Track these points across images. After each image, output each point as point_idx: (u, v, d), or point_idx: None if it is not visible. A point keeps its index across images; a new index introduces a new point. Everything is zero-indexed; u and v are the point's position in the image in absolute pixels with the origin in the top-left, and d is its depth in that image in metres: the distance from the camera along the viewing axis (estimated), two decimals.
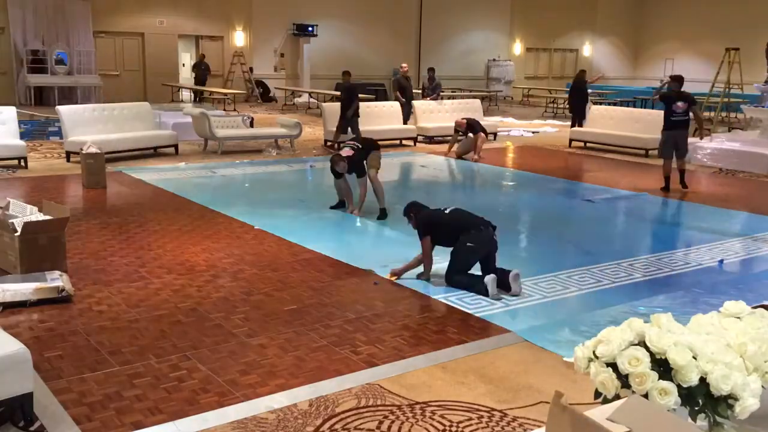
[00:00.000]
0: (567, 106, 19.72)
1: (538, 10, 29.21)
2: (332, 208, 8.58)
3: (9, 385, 3.38)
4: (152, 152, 12.33)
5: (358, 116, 13.20)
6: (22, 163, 10.88)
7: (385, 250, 7.08)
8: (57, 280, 5.28)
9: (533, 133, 17.60)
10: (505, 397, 3.95)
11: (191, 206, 8.66)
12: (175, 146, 12.49)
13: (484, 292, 5.55)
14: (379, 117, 14.65)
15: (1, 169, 10.53)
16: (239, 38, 23.60)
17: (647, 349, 2.11)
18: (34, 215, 5.89)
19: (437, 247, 6.00)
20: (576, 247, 7.46)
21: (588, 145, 14.83)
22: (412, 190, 11.10)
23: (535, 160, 13.40)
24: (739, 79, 18.17)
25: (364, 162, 8.23)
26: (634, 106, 20.36)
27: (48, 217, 5.86)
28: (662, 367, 2.08)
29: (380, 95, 22.18)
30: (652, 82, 27.98)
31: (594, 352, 2.20)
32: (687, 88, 10.50)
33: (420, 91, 17.86)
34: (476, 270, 5.86)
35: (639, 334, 2.17)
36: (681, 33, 29.50)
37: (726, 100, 18.50)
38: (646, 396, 2.02)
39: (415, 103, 16.01)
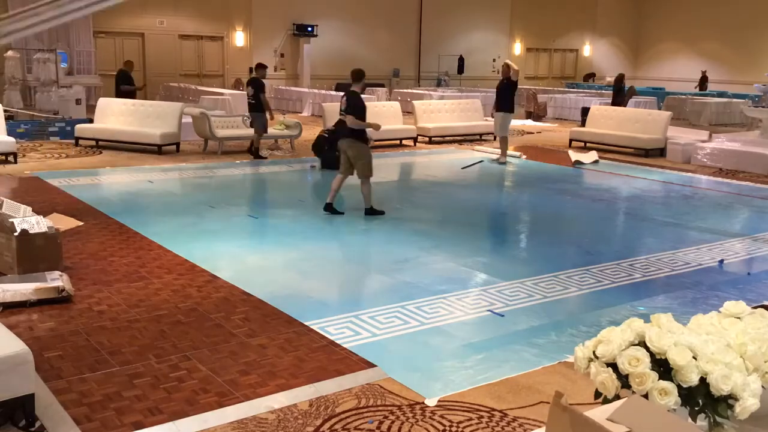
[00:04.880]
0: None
1: (538, 10, 29.22)
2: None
3: (10, 386, 3.38)
4: (157, 150, 12.40)
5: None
6: (11, 159, 10.99)
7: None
8: (57, 280, 5.28)
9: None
10: (505, 397, 3.95)
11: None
12: (159, 146, 12.49)
13: None
14: (379, 117, 14.64)
15: None
16: (239, 38, 23.61)
17: (647, 349, 2.11)
18: (29, 215, 5.88)
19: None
20: (576, 247, 7.46)
21: (588, 145, 14.83)
22: (411, 190, 11.10)
23: (537, 158, 13.40)
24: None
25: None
26: None
27: (48, 225, 5.82)
28: (662, 367, 2.08)
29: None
30: (653, 82, 28.02)
31: (594, 352, 2.20)
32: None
33: None
34: None
35: (639, 334, 2.17)
36: (681, 33, 29.51)
37: None
38: (646, 396, 2.02)
39: (415, 103, 16.02)
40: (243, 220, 8.11)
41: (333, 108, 14.38)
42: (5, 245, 5.67)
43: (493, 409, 3.81)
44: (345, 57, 24.93)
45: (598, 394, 2.17)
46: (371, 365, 4.31)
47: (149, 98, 18.68)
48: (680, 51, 29.65)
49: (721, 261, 6.89)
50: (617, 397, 2.08)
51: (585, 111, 16.93)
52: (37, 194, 8.85)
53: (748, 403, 1.99)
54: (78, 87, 15.78)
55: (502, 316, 5.26)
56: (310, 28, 24.00)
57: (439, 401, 3.88)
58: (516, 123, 19.92)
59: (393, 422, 3.65)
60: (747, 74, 20.19)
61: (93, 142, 12.89)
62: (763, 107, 14.22)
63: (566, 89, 25.40)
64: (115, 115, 13.09)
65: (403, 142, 14.71)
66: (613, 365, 2.13)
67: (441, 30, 27.00)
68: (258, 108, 12.33)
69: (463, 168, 12.29)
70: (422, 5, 26.65)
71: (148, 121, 12.74)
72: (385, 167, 12.67)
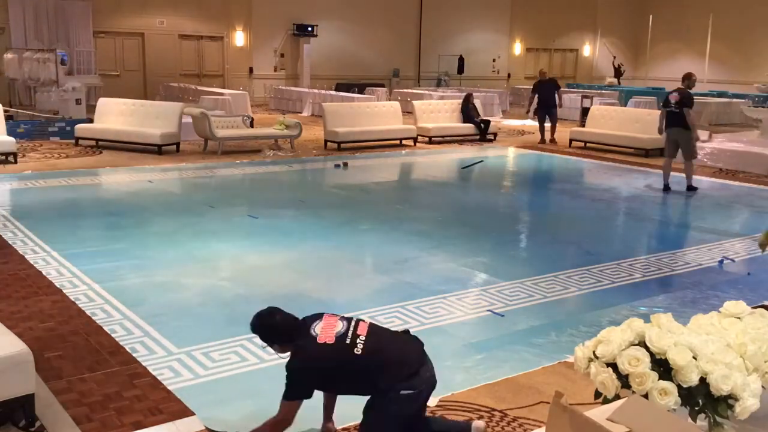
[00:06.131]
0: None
1: (538, 10, 29.21)
2: None
3: (10, 386, 3.37)
4: (157, 150, 12.39)
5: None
6: (11, 159, 10.97)
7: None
8: None
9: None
10: (505, 397, 3.95)
11: None
12: (159, 146, 12.47)
13: None
14: (379, 117, 14.66)
15: None
16: (239, 38, 23.61)
17: (647, 349, 2.11)
18: None
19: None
20: (576, 247, 7.46)
21: (588, 145, 14.83)
22: (411, 190, 11.10)
23: (535, 160, 13.39)
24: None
25: None
26: None
27: None
28: (662, 367, 2.08)
29: None
30: (653, 82, 28.01)
31: (594, 352, 2.21)
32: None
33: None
34: None
35: (639, 334, 2.17)
36: (681, 33, 29.49)
37: None
38: (646, 396, 2.02)
39: (415, 103, 16.02)
40: (243, 220, 8.11)
41: (333, 108, 14.41)
42: None
43: (493, 409, 3.81)
44: (345, 57, 24.95)
45: (598, 394, 2.18)
46: None
47: (149, 98, 18.70)
48: (680, 51, 29.62)
49: (721, 261, 6.89)
50: (617, 397, 2.09)
51: (585, 111, 16.92)
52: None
53: (748, 403, 1.99)
54: (78, 87, 15.74)
55: (502, 316, 5.25)
56: (310, 28, 24.00)
57: (439, 401, 3.87)
58: (516, 123, 19.94)
59: None
60: (747, 74, 20.18)
61: (93, 142, 12.89)
62: (763, 107, 14.21)
63: (566, 89, 25.39)
64: (115, 115, 13.09)
65: (403, 142, 14.71)
66: (613, 365, 2.13)
67: (441, 30, 27.00)
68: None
69: (463, 168, 12.29)
70: (422, 5, 26.64)
71: (148, 121, 12.74)
72: (385, 167, 12.69)
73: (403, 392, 3.08)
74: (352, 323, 3.20)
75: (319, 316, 3.25)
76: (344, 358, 3.08)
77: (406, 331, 3.36)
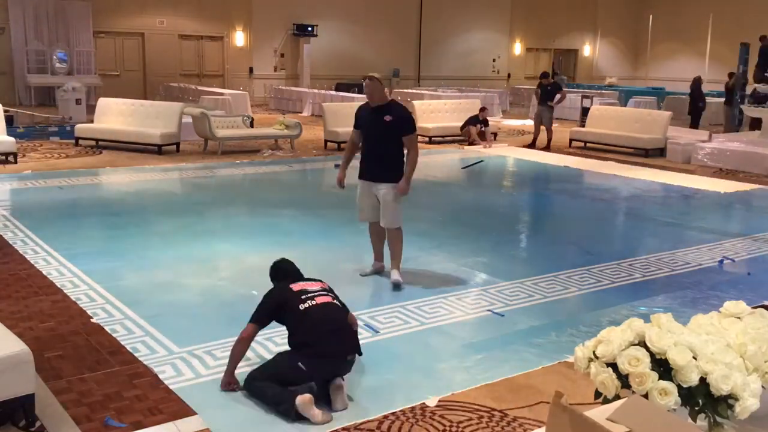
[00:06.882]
0: None
1: (538, 10, 29.21)
2: None
3: (10, 386, 3.37)
4: (157, 149, 12.38)
5: None
6: (11, 159, 10.97)
7: None
8: None
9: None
10: (505, 397, 3.95)
11: None
12: (159, 146, 12.47)
13: (288, 413, 3.64)
14: None
15: None
16: (239, 38, 23.61)
17: (647, 349, 2.11)
18: None
19: None
20: (576, 247, 7.46)
21: (588, 145, 14.83)
22: (411, 190, 11.09)
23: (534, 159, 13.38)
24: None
25: None
26: None
27: None
28: (662, 367, 2.08)
29: None
30: (653, 82, 28.03)
31: (594, 352, 2.21)
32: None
33: None
34: None
35: (639, 334, 2.17)
36: (681, 33, 29.49)
37: None
38: (646, 396, 2.02)
39: (415, 103, 16.02)
40: (244, 220, 8.10)
41: (333, 108, 14.40)
42: None
43: (493, 409, 3.81)
44: (345, 57, 24.95)
45: (598, 394, 2.18)
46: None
47: (149, 98, 18.71)
48: (680, 51, 29.62)
49: (721, 261, 6.88)
50: (617, 397, 2.09)
51: (585, 111, 16.91)
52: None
53: (748, 403, 1.99)
54: (78, 87, 15.74)
55: (502, 316, 5.26)
56: (310, 28, 24.00)
57: (439, 401, 3.87)
58: (516, 123, 19.95)
59: (393, 422, 3.65)
60: (747, 74, 20.20)
61: (93, 142, 12.90)
62: (763, 107, 14.20)
63: (566, 89, 25.36)
64: (115, 115, 13.10)
65: None
66: (613, 365, 2.13)
67: (441, 30, 27.00)
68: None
69: (463, 168, 12.29)
70: (422, 5, 26.65)
71: (148, 121, 12.74)
72: None
73: (300, 364, 3.79)
74: (317, 293, 4.04)
75: (303, 281, 4.23)
76: (293, 304, 3.96)
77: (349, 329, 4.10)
